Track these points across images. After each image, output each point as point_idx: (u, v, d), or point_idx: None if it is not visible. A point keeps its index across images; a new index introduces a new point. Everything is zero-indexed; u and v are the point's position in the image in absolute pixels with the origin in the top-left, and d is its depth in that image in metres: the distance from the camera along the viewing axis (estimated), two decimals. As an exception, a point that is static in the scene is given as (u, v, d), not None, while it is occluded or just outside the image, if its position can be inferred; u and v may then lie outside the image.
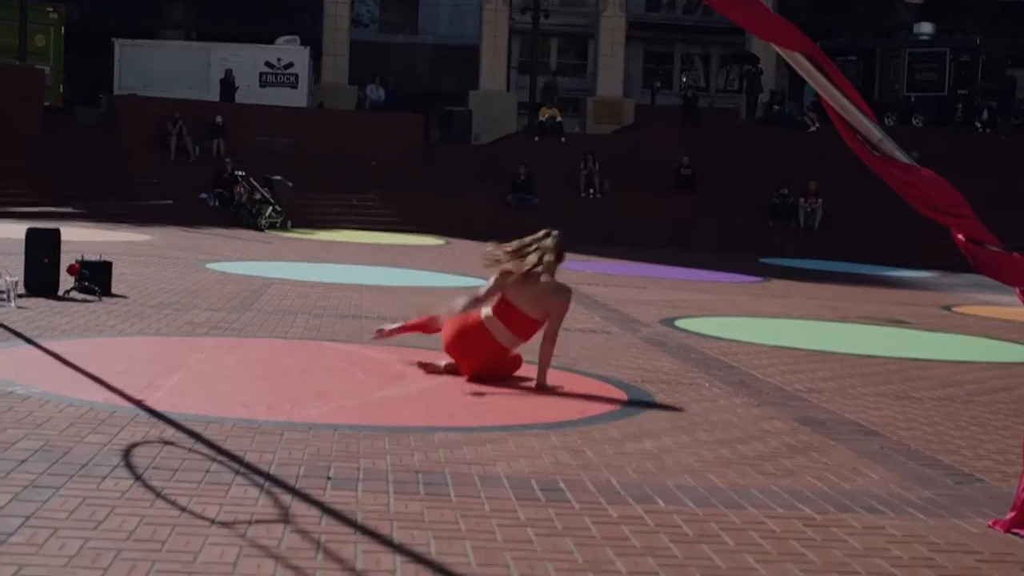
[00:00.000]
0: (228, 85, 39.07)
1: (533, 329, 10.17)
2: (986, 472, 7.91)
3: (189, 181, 32.90)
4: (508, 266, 10.00)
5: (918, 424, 9.48)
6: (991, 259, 6.40)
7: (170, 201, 31.56)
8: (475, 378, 9.96)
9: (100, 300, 13.66)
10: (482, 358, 10.05)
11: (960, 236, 6.43)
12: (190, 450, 7.07)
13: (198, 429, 7.55)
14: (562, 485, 6.81)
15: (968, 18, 49.26)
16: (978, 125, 41.84)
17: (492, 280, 10.12)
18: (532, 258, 10.04)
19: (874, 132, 6.43)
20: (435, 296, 11.50)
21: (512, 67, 50.81)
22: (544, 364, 9.92)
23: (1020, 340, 16.38)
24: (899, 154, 6.46)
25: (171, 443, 7.20)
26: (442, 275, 20.64)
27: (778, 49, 6.34)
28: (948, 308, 20.74)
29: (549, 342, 10.00)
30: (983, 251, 6.39)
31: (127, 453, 6.87)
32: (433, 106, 43.65)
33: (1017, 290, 6.50)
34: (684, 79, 56.20)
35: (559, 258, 10.31)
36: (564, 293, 10.24)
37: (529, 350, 10.30)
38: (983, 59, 43.37)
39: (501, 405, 9.20)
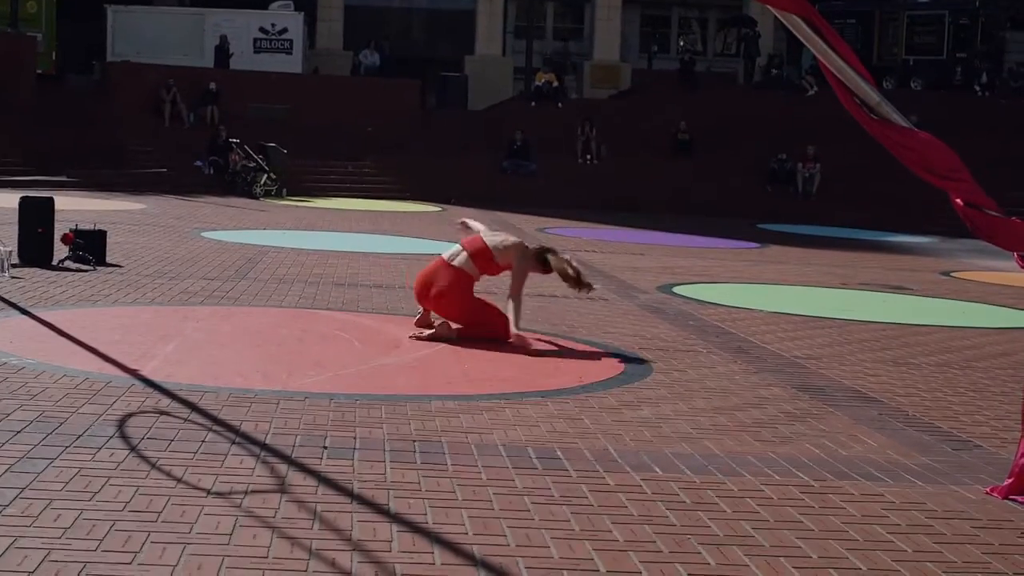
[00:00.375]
0: (223, 51, 38.88)
1: (492, 271, 10.76)
2: (984, 438, 7.90)
3: (183, 148, 32.75)
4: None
5: (916, 390, 9.46)
6: (989, 223, 6.36)
7: (164, 169, 31.43)
8: (461, 328, 10.33)
9: (95, 269, 13.61)
10: (448, 291, 10.41)
11: (958, 200, 6.39)
12: (185, 420, 7.05)
13: (193, 399, 7.53)
14: (559, 453, 6.79)
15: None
16: (977, 88, 41.69)
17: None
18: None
19: (872, 95, 6.39)
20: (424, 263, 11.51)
21: (508, 32, 50.60)
22: (513, 312, 10.37)
23: (1018, 305, 16.36)
24: (897, 117, 6.42)
25: (166, 413, 7.18)
26: (437, 243, 20.58)
27: (775, 12, 6.28)
28: (947, 273, 20.71)
29: (513, 299, 10.46)
30: (981, 215, 6.35)
31: (122, 423, 6.85)
32: (429, 71, 43.47)
33: (1015, 255, 6.46)
34: (681, 43, 55.98)
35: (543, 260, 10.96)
36: (527, 258, 10.80)
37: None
38: (982, 22, 43.18)
39: (498, 374, 9.18)
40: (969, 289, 18.40)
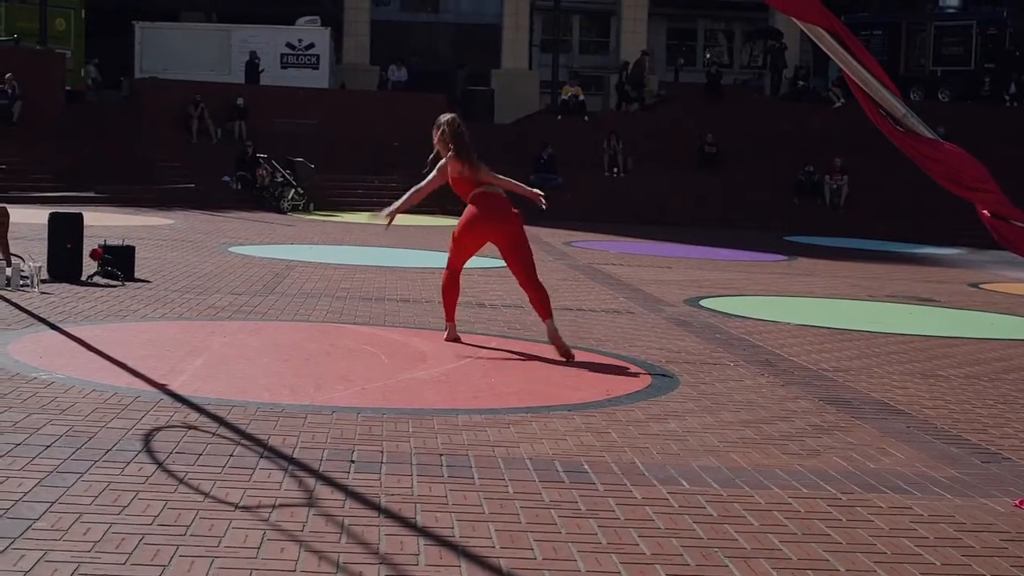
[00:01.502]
0: (253, 67, 39.06)
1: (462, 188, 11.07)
2: (1013, 451, 7.86)
3: (211, 164, 32.90)
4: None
5: (944, 402, 9.42)
6: (1017, 235, 6.33)
7: (192, 184, 31.58)
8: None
9: (123, 285, 13.68)
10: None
11: (985, 211, 6.37)
12: (214, 434, 7.07)
13: (221, 413, 7.56)
14: (586, 467, 6.79)
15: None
16: (1006, 98, 41.53)
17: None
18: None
19: (898, 107, 6.38)
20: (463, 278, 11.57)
21: (534, 45, 50.67)
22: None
23: (1047, 316, 16.29)
24: (923, 129, 6.40)
25: (195, 427, 7.21)
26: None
27: (800, 24, 6.28)
28: (975, 285, 20.62)
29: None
30: (1008, 226, 6.32)
31: (151, 438, 6.88)
32: (456, 85, 43.55)
33: (1043, 266, 6.44)
34: (708, 55, 55.96)
35: (458, 135, 11.14)
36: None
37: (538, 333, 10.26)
38: (1010, 31, 43.00)
39: (525, 387, 9.18)
40: (997, 301, 18.31)
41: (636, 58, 42.22)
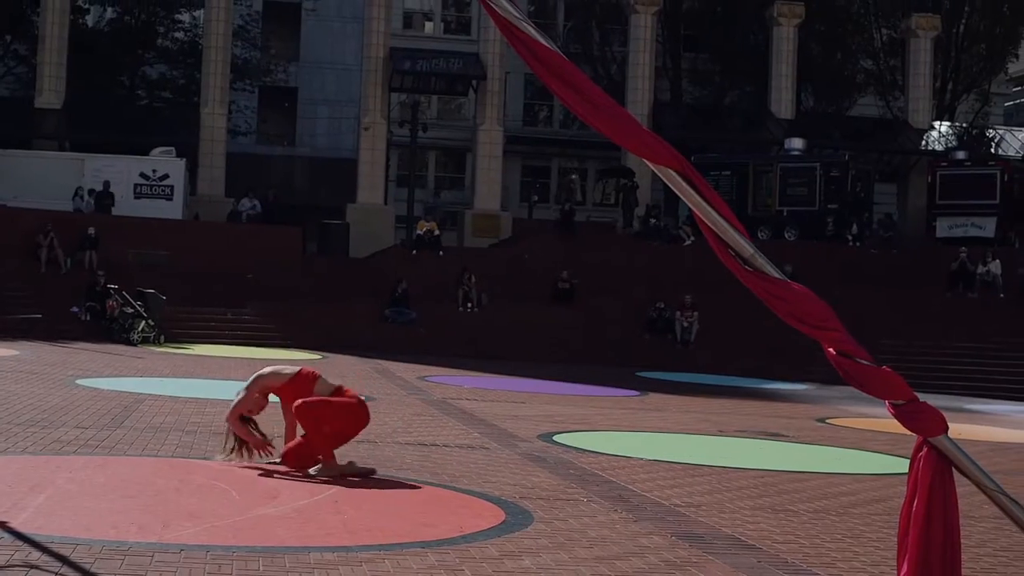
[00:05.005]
0: (105, 197, 38.69)
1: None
2: (862, 585, 7.95)
3: (60, 294, 32.35)
4: None
5: (795, 537, 9.53)
6: (860, 372, 6.46)
7: (39, 315, 30.95)
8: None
9: (-35, 417, 13.29)
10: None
11: (830, 349, 6.51)
12: (56, 574, 6.85)
13: (65, 552, 7.33)
14: (439, 605, 6.70)
15: (837, 134, 50.64)
16: (848, 238, 42.85)
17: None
18: None
19: (746, 247, 6.51)
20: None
21: (390, 180, 51.01)
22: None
23: (892, 451, 16.61)
24: (770, 269, 6.54)
25: (36, 567, 6.98)
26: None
27: (651, 165, 6.41)
28: (823, 420, 21.01)
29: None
30: (853, 364, 6.46)
31: (-11, 578, 6.64)
32: (311, 219, 43.57)
33: (887, 402, 6.58)
34: (561, 193, 56.88)
35: None
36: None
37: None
38: (852, 174, 44.52)
39: (378, 523, 9.08)
40: (844, 436, 18.67)
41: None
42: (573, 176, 49.86)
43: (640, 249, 41.08)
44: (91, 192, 39.28)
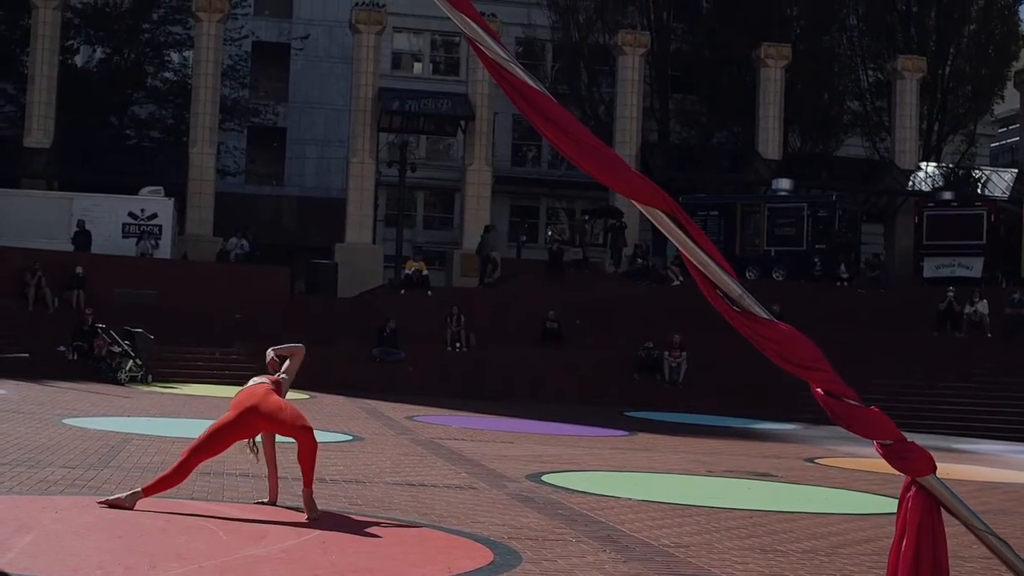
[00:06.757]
0: (83, 235, 38.68)
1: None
2: (850, 626, 7.93)
3: (47, 333, 32.28)
4: None
5: (783, 577, 9.50)
6: (848, 412, 6.48)
7: (26, 355, 30.86)
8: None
9: (-49, 457, 13.23)
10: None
11: (818, 389, 6.52)
12: (41, 615, 6.81)
13: (50, 593, 7.29)
14: (427, 646, 6.68)
15: (825, 175, 50.87)
16: (839, 280, 42.94)
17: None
18: None
19: (733, 288, 6.54)
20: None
21: (379, 220, 51.06)
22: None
23: (880, 491, 16.60)
24: (758, 309, 6.56)
25: (21, 608, 6.94)
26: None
27: (639, 206, 6.44)
28: (811, 460, 20.99)
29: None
30: (841, 404, 6.47)
31: (-26, 619, 6.60)
32: (299, 258, 43.59)
33: (875, 442, 6.59)
34: (549, 232, 56.96)
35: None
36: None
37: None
38: (840, 214, 44.69)
39: (366, 564, 9.04)
40: (833, 476, 18.65)
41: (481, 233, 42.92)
42: (586, 216, 49.98)
43: (628, 289, 41.12)
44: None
